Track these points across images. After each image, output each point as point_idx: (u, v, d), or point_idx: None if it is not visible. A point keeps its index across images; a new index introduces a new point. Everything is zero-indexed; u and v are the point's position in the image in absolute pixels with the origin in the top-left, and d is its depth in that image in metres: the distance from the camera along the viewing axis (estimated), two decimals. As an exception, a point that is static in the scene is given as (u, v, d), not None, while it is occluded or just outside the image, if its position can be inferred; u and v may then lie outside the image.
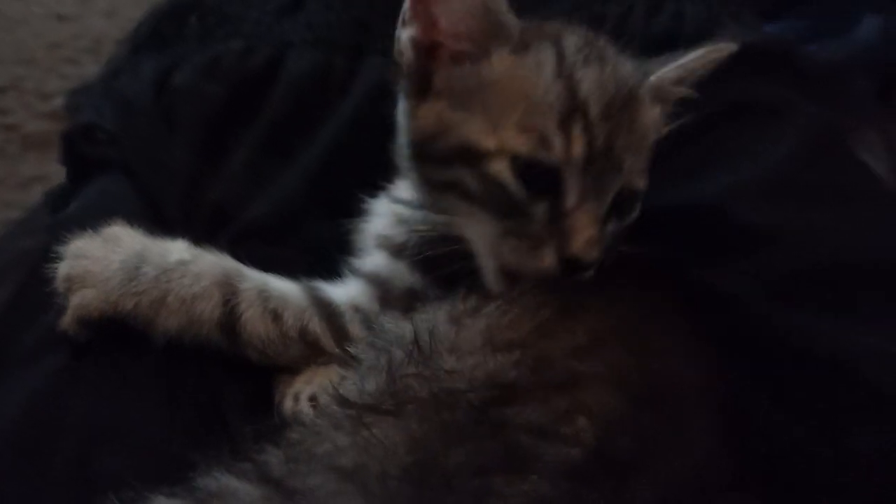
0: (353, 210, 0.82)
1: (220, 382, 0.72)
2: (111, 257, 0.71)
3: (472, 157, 0.68)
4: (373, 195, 0.82)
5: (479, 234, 0.70)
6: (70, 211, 0.85)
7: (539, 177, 0.67)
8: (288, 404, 0.73)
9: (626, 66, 0.73)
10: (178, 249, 0.74)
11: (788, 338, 0.68)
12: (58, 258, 0.72)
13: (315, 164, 0.88)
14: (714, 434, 0.64)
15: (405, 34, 0.72)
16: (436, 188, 0.72)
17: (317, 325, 0.72)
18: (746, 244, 0.73)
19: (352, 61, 0.94)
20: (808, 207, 0.75)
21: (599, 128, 0.67)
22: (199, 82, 0.91)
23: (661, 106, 0.75)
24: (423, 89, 0.72)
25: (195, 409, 0.71)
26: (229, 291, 0.71)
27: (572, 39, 0.72)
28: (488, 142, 0.67)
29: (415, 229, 0.74)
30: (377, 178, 0.82)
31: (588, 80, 0.68)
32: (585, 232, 0.66)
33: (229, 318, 0.70)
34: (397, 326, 0.69)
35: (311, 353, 0.72)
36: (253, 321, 0.70)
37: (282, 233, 0.84)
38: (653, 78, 0.74)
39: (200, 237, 0.77)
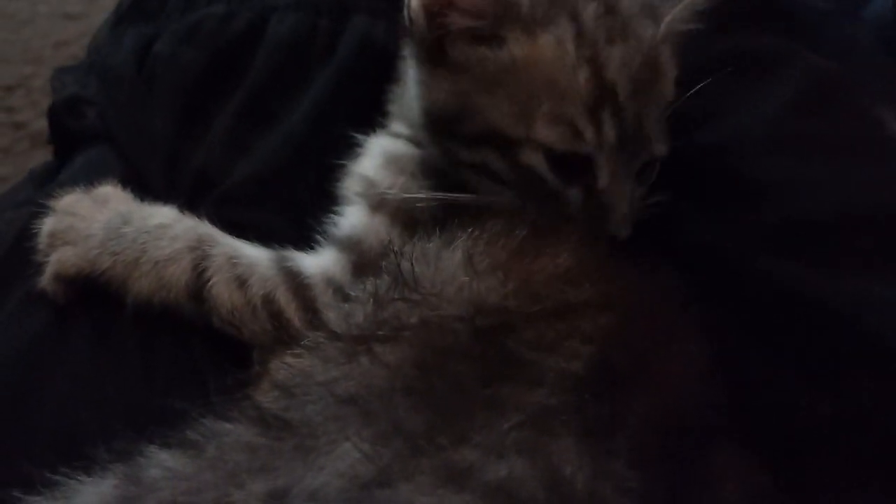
0: (339, 173, 0.80)
1: (196, 341, 0.72)
2: (97, 216, 0.72)
3: (501, 143, 0.68)
4: (366, 134, 0.81)
5: (509, 209, 0.69)
6: (56, 182, 0.85)
7: (572, 164, 0.67)
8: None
9: (645, 26, 0.70)
10: (161, 214, 0.73)
11: (786, 287, 0.66)
12: (46, 214, 0.73)
13: (298, 128, 0.86)
14: (707, 368, 0.63)
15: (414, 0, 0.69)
16: (461, 165, 0.71)
17: (282, 296, 0.70)
18: (745, 195, 0.71)
19: (336, 22, 0.92)
20: (809, 158, 0.72)
21: (629, 108, 0.67)
22: (180, 49, 0.90)
23: (675, 55, 0.73)
24: (437, 58, 0.70)
25: (173, 366, 0.71)
26: (200, 256, 0.70)
27: (590, 7, 0.68)
28: (518, 130, 0.67)
29: (407, 175, 0.73)
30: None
31: (614, 60, 0.66)
32: (619, 211, 0.67)
33: (197, 284, 0.69)
34: (370, 282, 0.67)
35: (276, 330, 0.70)
36: (219, 287, 0.69)
37: (264, 198, 0.83)
38: (664, 25, 0.71)
39: (184, 204, 0.76)
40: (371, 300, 0.63)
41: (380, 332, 0.59)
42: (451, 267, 0.64)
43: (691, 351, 0.64)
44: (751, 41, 0.82)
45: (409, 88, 0.75)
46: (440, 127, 0.72)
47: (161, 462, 0.55)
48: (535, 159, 0.67)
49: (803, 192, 0.69)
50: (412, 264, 0.64)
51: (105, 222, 0.71)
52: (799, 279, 0.66)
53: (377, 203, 0.73)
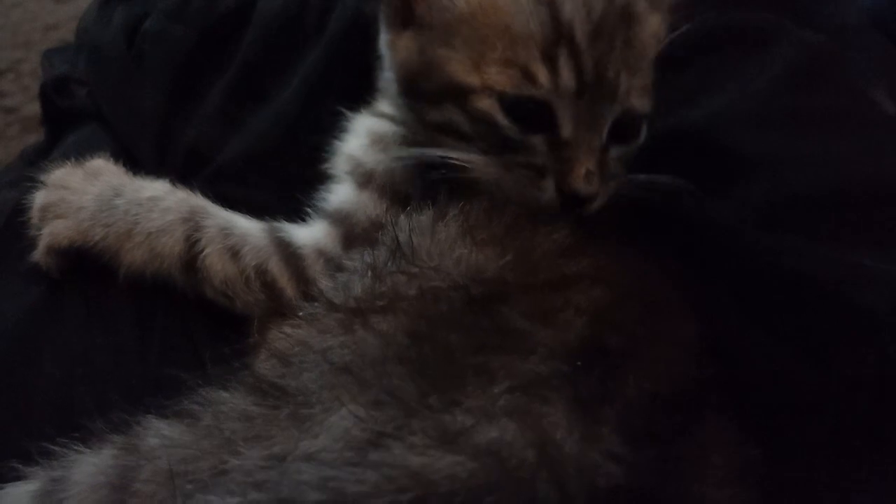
0: (328, 151, 0.81)
1: (190, 313, 0.72)
2: (88, 189, 0.72)
3: (458, 94, 0.67)
4: (354, 112, 0.81)
5: (483, 171, 0.68)
6: (48, 160, 0.83)
7: (530, 111, 0.65)
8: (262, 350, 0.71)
9: None
10: (153, 187, 0.74)
11: (777, 261, 0.66)
12: (38, 187, 0.73)
13: (289, 105, 0.87)
14: (699, 342, 0.63)
15: None
16: (431, 127, 0.71)
17: (275, 265, 0.71)
18: (734, 171, 0.70)
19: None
20: (799, 132, 0.72)
21: (588, 52, 0.65)
22: (169, 26, 0.91)
23: (659, 12, 0.72)
24: (405, 19, 0.70)
25: (167, 337, 0.71)
26: (192, 227, 0.70)
27: None
28: (472, 78, 0.65)
29: (396, 154, 0.72)
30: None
31: (570, 1, 0.65)
32: (582, 166, 0.65)
33: (189, 254, 0.70)
34: (367, 254, 0.68)
35: (269, 300, 0.70)
36: (212, 257, 0.70)
37: (256, 174, 0.83)
38: None
39: (176, 180, 0.76)
40: (369, 272, 0.64)
41: (377, 303, 0.60)
42: (448, 239, 0.64)
43: (683, 325, 0.64)
44: (743, 17, 0.82)
45: (384, 58, 0.75)
46: (408, 88, 0.72)
47: (158, 431, 0.56)
48: (488, 104, 0.65)
49: (794, 168, 0.69)
50: (410, 236, 0.64)
51: (97, 195, 0.71)
52: (790, 253, 0.65)
53: (365, 180, 0.74)
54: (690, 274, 0.67)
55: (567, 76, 0.64)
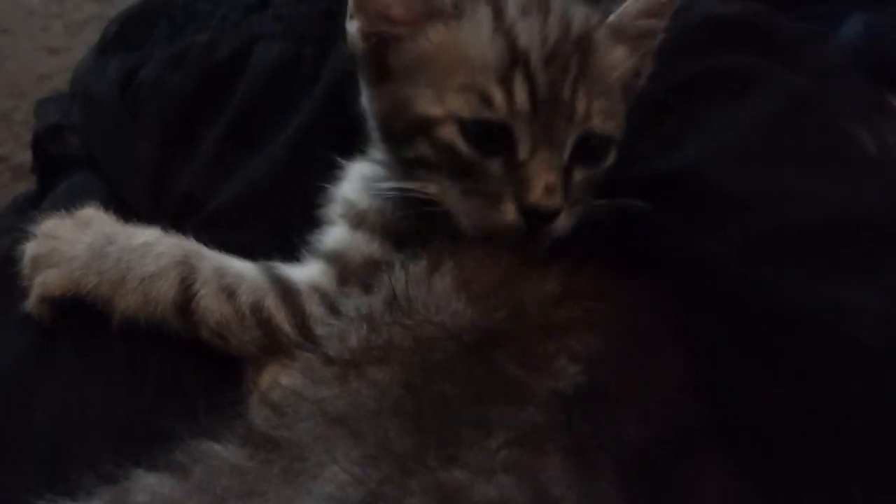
0: (321, 197, 0.82)
1: (182, 362, 0.72)
2: (80, 238, 0.72)
3: (425, 127, 0.69)
4: (349, 159, 0.82)
5: (450, 199, 0.70)
6: (39, 209, 0.84)
7: (489, 135, 0.67)
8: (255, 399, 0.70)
9: (575, 11, 0.72)
10: (145, 233, 0.73)
11: (765, 296, 0.67)
12: (28, 238, 0.73)
13: (283, 152, 0.87)
14: (689, 379, 0.64)
15: (353, 27, 0.73)
16: (407, 165, 0.72)
17: (272, 302, 0.70)
18: (722, 208, 0.71)
19: (320, 51, 0.93)
20: (784, 170, 0.73)
21: (542, 75, 0.67)
22: (166, 75, 0.90)
23: (627, 44, 0.74)
24: (380, 74, 0.73)
25: (159, 388, 0.71)
26: (187, 270, 0.70)
27: None
28: (435, 109, 0.68)
29: (378, 189, 0.74)
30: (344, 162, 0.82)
31: (527, 30, 0.68)
32: (541, 179, 0.66)
33: (184, 297, 0.69)
34: (363, 298, 0.68)
35: (266, 337, 0.70)
36: (207, 298, 0.69)
37: (248, 220, 0.83)
38: (612, 17, 0.73)
39: (169, 227, 0.76)
40: (365, 324, 0.64)
41: (373, 354, 0.60)
42: (444, 292, 0.64)
43: (675, 364, 0.64)
44: (728, 60, 0.83)
45: (368, 113, 0.78)
46: (385, 133, 0.74)
47: (148, 486, 0.55)
48: (449, 132, 0.68)
49: (779, 204, 0.70)
50: (406, 288, 0.65)
51: (88, 243, 0.71)
52: (777, 288, 0.66)
53: (358, 221, 0.75)
54: (679, 310, 0.68)
55: (522, 97, 0.66)
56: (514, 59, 0.67)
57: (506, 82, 0.66)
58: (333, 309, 0.69)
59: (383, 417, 0.55)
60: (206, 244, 0.75)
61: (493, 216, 0.68)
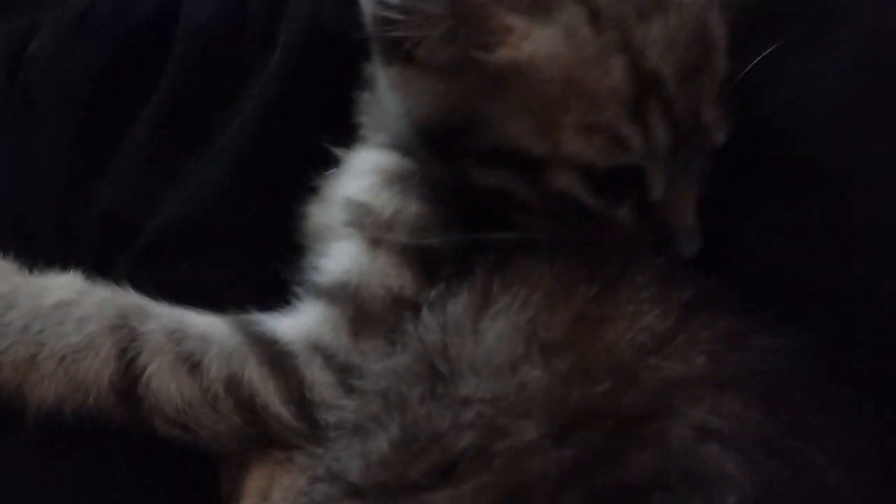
0: (300, 200, 0.69)
1: (149, 460, 0.59)
2: None
3: (522, 163, 0.59)
4: (347, 147, 0.70)
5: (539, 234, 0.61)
6: None
7: (615, 179, 0.59)
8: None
9: None
10: (59, 287, 0.60)
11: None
12: None
13: (240, 145, 0.73)
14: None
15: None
16: (471, 186, 0.62)
17: (253, 373, 0.58)
18: (801, 182, 0.62)
19: (271, 2, 0.77)
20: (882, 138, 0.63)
21: (681, 99, 0.58)
22: (65, 45, 0.76)
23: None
24: (400, 54, 0.61)
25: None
26: (126, 338, 0.57)
27: None
28: (542, 147, 0.58)
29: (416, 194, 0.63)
30: (330, 152, 0.69)
31: (653, 43, 0.57)
32: (684, 225, 0.61)
33: (126, 376, 0.56)
34: (391, 359, 0.55)
35: (249, 425, 0.58)
36: (160, 376, 0.57)
37: (201, 244, 0.71)
38: None
39: (91, 261, 0.63)
40: (396, 422, 0.50)
41: (419, 480, 0.46)
42: (500, 345, 0.51)
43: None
44: None
45: (384, 97, 0.66)
46: (439, 142, 0.62)
47: None
48: (568, 182, 0.58)
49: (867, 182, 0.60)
50: (445, 344, 0.52)
51: None
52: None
53: (379, 234, 0.63)
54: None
55: (661, 134, 0.58)
56: (646, 86, 0.57)
57: (641, 117, 0.57)
58: (344, 377, 0.56)
59: None
60: (147, 286, 0.62)
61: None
